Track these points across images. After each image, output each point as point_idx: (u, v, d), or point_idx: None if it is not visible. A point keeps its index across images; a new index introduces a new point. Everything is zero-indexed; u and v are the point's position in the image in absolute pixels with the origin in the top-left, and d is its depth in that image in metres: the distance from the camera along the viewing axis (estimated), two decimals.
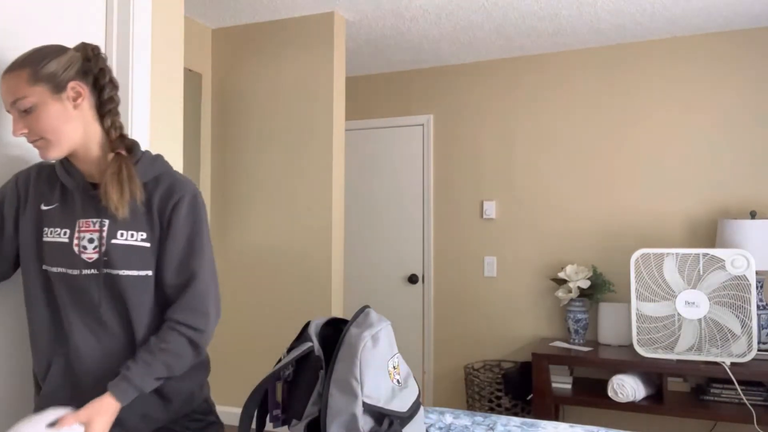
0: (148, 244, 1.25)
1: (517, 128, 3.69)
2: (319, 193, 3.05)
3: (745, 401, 2.72)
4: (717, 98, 3.25)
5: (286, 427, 1.35)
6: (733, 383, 2.73)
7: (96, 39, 1.71)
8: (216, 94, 3.30)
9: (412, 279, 3.94)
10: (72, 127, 1.22)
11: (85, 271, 1.23)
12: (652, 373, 2.97)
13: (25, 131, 1.20)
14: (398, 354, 1.38)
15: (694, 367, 2.77)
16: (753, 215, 2.96)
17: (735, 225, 2.88)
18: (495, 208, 3.73)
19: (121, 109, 1.76)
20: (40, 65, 1.20)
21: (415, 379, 1.41)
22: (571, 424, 1.92)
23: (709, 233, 3.22)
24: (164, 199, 1.26)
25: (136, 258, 1.24)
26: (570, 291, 3.27)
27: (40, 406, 1.28)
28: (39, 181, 1.30)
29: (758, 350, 2.81)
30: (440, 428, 1.89)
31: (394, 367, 1.34)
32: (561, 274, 3.31)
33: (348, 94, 4.14)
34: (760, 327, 2.85)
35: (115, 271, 1.23)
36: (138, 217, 1.25)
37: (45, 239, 1.25)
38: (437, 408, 2.08)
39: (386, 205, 4.05)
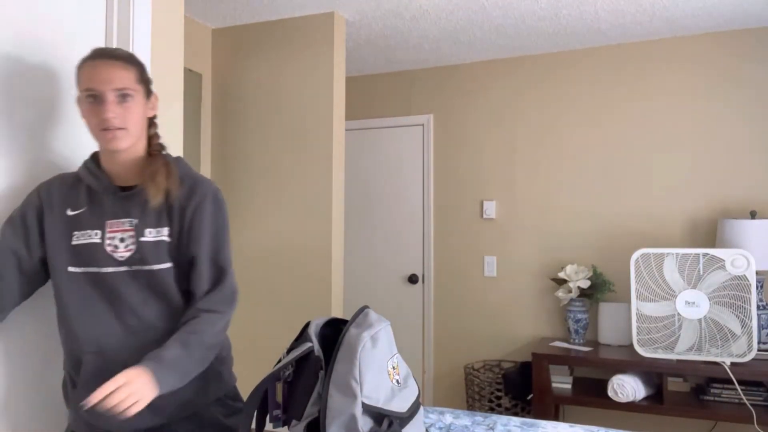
0: (169, 239, 1.35)
1: (517, 128, 3.69)
2: (319, 192, 3.04)
3: (745, 401, 2.72)
4: (717, 98, 3.25)
5: (285, 427, 1.35)
6: (733, 383, 2.73)
7: (96, 39, 1.71)
8: (216, 94, 3.30)
9: (412, 279, 3.94)
10: (142, 127, 1.37)
11: (118, 269, 1.32)
12: (652, 373, 2.97)
13: (117, 116, 1.30)
14: (398, 354, 1.38)
15: (694, 367, 2.77)
16: (753, 215, 2.96)
17: (735, 225, 2.88)
18: (495, 208, 3.73)
19: None
20: (144, 70, 1.38)
21: (414, 379, 1.41)
22: (571, 424, 1.92)
23: (709, 233, 3.22)
24: (186, 199, 1.36)
25: (163, 252, 1.34)
26: (570, 291, 3.27)
27: (75, 400, 1.34)
28: (63, 189, 1.38)
29: (758, 350, 2.81)
30: (440, 428, 1.89)
31: (393, 368, 1.34)
32: (561, 274, 3.31)
33: (348, 94, 4.14)
34: (760, 327, 2.85)
35: (146, 267, 1.33)
36: (161, 214, 1.35)
37: (74, 242, 1.33)
38: (437, 408, 2.08)
39: (386, 205, 4.05)
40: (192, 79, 3.13)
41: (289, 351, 1.34)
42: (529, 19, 3.07)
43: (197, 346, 1.27)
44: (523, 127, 3.68)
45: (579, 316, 3.26)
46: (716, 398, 2.86)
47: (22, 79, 1.51)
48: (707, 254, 2.77)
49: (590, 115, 3.52)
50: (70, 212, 1.35)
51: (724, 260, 2.74)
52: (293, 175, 3.12)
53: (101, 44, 1.73)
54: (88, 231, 1.33)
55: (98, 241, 1.32)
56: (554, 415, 3.12)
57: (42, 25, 1.56)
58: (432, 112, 3.94)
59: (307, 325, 1.37)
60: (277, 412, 1.31)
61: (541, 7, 2.91)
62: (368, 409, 1.23)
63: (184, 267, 1.36)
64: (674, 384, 3.07)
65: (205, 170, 3.29)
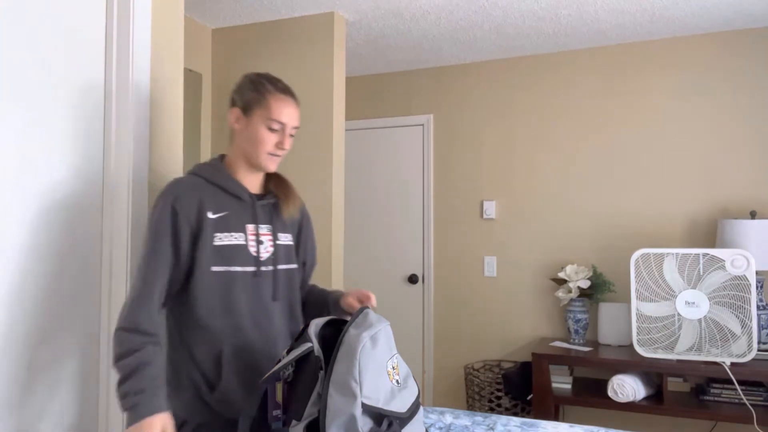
0: (293, 243, 1.63)
1: (517, 128, 3.69)
2: (319, 192, 3.04)
3: (745, 401, 2.72)
4: (717, 98, 3.25)
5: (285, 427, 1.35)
6: (733, 383, 2.73)
7: (96, 39, 1.71)
8: (216, 94, 3.30)
9: (412, 279, 3.94)
10: None
11: (259, 268, 1.50)
12: (652, 373, 2.97)
13: (287, 148, 1.54)
14: (397, 354, 1.37)
15: (694, 367, 2.77)
16: (753, 215, 2.96)
17: (735, 225, 2.88)
18: (495, 208, 3.73)
19: (121, 109, 1.76)
20: None
21: (414, 379, 1.41)
22: (571, 424, 1.92)
23: (709, 233, 3.22)
24: (301, 212, 1.69)
25: (291, 254, 1.60)
26: (570, 291, 3.27)
27: (226, 388, 1.44)
28: (202, 193, 1.49)
29: (758, 350, 2.81)
30: (440, 428, 1.89)
31: (393, 368, 1.33)
32: (561, 274, 3.31)
33: (348, 94, 4.14)
34: (760, 327, 2.85)
35: (281, 266, 1.55)
36: (285, 221, 1.61)
37: (216, 243, 1.46)
38: (437, 408, 2.08)
39: (386, 205, 4.05)
40: (192, 79, 3.13)
41: (288, 351, 1.34)
42: (529, 19, 3.07)
43: None
44: (523, 127, 3.68)
45: (579, 316, 3.26)
46: (716, 398, 2.86)
47: (23, 79, 1.51)
48: (707, 254, 2.77)
49: (590, 115, 3.52)
50: (211, 215, 1.47)
51: (724, 260, 2.74)
52: (293, 174, 3.11)
53: (101, 44, 1.73)
54: (233, 233, 1.48)
55: (242, 243, 1.49)
56: (554, 415, 3.11)
57: (41, 25, 1.56)
58: (432, 112, 3.94)
59: (307, 325, 1.37)
60: (277, 412, 1.31)
61: (541, 7, 2.91)
62: (368, 410, 1.22)
63: (301, 268, 1.66)
64: (674, 384, 3.07)
65: None
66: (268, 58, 3.17)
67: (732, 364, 2.72)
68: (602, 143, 3.48)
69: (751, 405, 2.70)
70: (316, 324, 1.36)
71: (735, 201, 3.19)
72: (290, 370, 1.32)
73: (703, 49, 3.28)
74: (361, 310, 1.37)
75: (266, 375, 1.29)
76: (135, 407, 1.29)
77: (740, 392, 2.73)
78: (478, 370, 3.52)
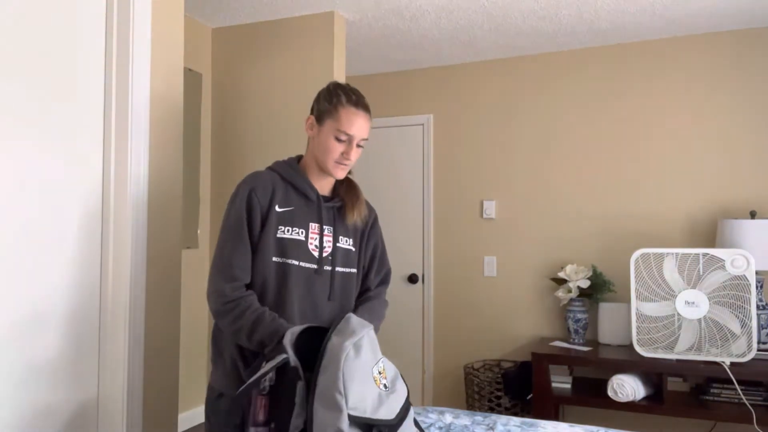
0: (354, 249, 1.66)
1: (517, 128, 3.69)
2: None
3: (745, 401, 2.72)
4: (717, 98, 3.25)
5: None
6: (732, 383, 2.73)
7: (96, 39, 1.71)
8: (216, 93, 3.30)
9: (412, 279, 3.94)
10: None
11: (317, 267, 1.55)
12: (652, 373, 2.97)
13: (355, 158, 1.59)
14: (383, 358, 1.35)
15: (694, 367, 2.77)
16: (753, 215, 2.96)
17: (735, 225, 2.88)
18: (495, 208, 3.73)
19: (120, 108, 1.77)
20: None
21: (403, 379, 1.39)
22: (570, 424, 1.92)
23: (709, 233, 3.22)
24: (366, 221, 1.70)
25: (350, 259, 1.64)
26: (570, 291, 3.27)
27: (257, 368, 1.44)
28: (274, 188, 1.56)
29: (758, 350, 2.81)
30: (440, 428, 1.89)
31: (379, 372, 1.30)
32: (561, 274, 3.31)
33: None
34: (760, 327, 2.85)
35: (339, 269, 1.60)
36: (349, 227, 1.65)
37: (279, 235, 1.53)
38: (437, 408, 2.08)
39: (386, 205, 4.05)
40: (192, 78, 3.13)
41: (265, 361, 1.31)
42: (529, 19, 3.07)
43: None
44: (523, 126, 3.68)
45: (579, 315, 3.26)
46: (716, 398, 2.86)
47: (23, 78, 1.51)
48: (707, 254, 2.77)
49: (590, 115, 3.52)
50: (278, 208, 1.55)
51: (723, 260, 2.74)
52: None
53: (101, 44, 1.73)
54: (296, 228, 1.55)
55: (303, 239, 1.55)
56: (554, 415, 3.11)
57: (41, 26, 1.56)
58: (432, 112, 3.94)
59: (281, 337, 1.34)
60: (259, 429, 1.26)
61: (541, 6, 2.91)
62: (355, 420, 1.19)
63: (360, 274, 1.68)
64: (674, 384, 3.07)
65: (205, 170, 3.29)
66: (268, 57, 3.17)
67: (732, 363, 2.72)
68: (602, 143, 3.48)
69: (751, 405, 2.70)
70: (291, 333, 1.33)
71: (735, 201, 3.19)
72: (267, 383, 1.28)
73: (703, 50, 3.28)
74: (343, 315, 1.35)
75: (241, 388, 1.26)
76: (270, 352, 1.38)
77: (740, 392, 2.73)
78: (477, 370, 3.52)
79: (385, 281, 1.75)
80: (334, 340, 1.26)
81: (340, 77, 3.10)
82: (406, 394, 1.36)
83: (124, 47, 1.73)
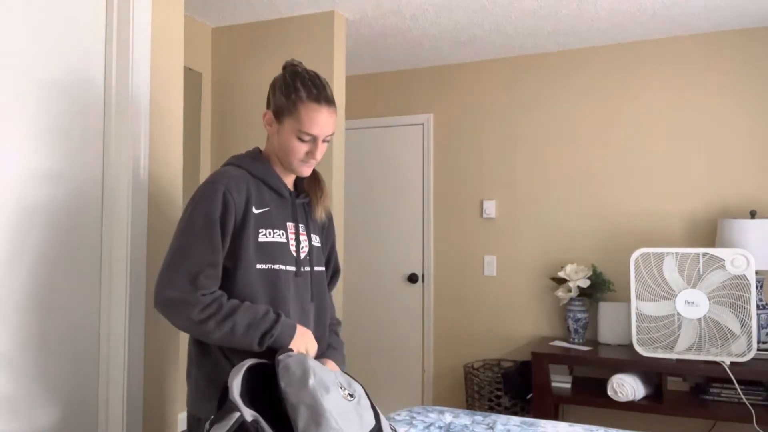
0: (321, 245, 1.59)
1: (517, 128, 3.69)
2: None
3: (745, 401, 2.72)
4: (717, 98, 3.25)
5: None
6: (732, 383, 2.73)
7: (96, 39, 1.71)
8: (216, 93, 3.30)
9: (412, 278, 3.94)
10: None
11: (299, 268, 1.47)
12: (652, 373, 2.97)
13: (320, 155, 1.45)
14: (331, 371, 1.27)
15: (694, 367, 2.77)
16: (753, 215, 2.96)
17: (735, 225, 2.88)
18: (495, 208, 3.73)
19: (120, 108, 1.76)
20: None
21: (357, 382, 1.31)
22: (570, 424, 1.93)
23: (709, 233, 3.22)
24: (328, 217, 1.64)
25: (321, 257, 1.57)
26: (570, 290, 3.27)
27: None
28: (248, 186, 1.43)
29: (758, 350, 2.81)
30: (440, 427, 1.89)
31: (341, 387, 1.23)
32: (561, 274, 3.31)
33: (348, 93, 4.14)
34: (760, 327, 2.85)
35: (316, 268, 1.53)
36: (316, 224, 1.58)
37: (261, 240, 1.41)
38: (437, 407, 2.08)
39: (386, 204, 4.05)
40: (192, 78, 3.13)
41: (212, 425, 1.12)
42: (529, 18, 3.07)
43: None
44: (523, 126, 3.68)
45: (579, 315, 3.26)
46: (716, 398, 2.86)
47: (23, 78, 1.50)
48: (707, 254, 2.77)
49: (590, 115, 3.52)
50: (255, 210, 1.41)
51: (723, 260, 2.74)
52: None
53: (101, 44, 1.73)
54: (277, 230, 1.44)
55: (284, 240, 1.45)
56: (554, 415, 3.12)
57: (41, 26, 1.55)
58: (432, 112, 3.94)
59: (225, 390, 1.17)
60: None
61: (541, 6, 2.91)
62: None
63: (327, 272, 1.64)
64: (674, 383, 3.07)
65: (205, 169, 3.29)
66: (268, 57, 3.17)
67: (731, 363, 2.72)
68: (602, 142, 3.48)
69: (751, 404, 2.70)
70: (236, 385, 1.16)
71: (735, 201, 3.19)
72: None
73: (703, 49, 3.28)
74: (277, 361, 1.22)
75: None
76: (280, 333, 1.35)
77: (740, 392, 2.73)
78: (477, 369, 3.52)
79: (335, 280, 1.69)
80: (290, 392, 1.15)
81: (340, 77, 3.10)
82: (370, 405, 1.26)
83: (124, 46, 1.73)
